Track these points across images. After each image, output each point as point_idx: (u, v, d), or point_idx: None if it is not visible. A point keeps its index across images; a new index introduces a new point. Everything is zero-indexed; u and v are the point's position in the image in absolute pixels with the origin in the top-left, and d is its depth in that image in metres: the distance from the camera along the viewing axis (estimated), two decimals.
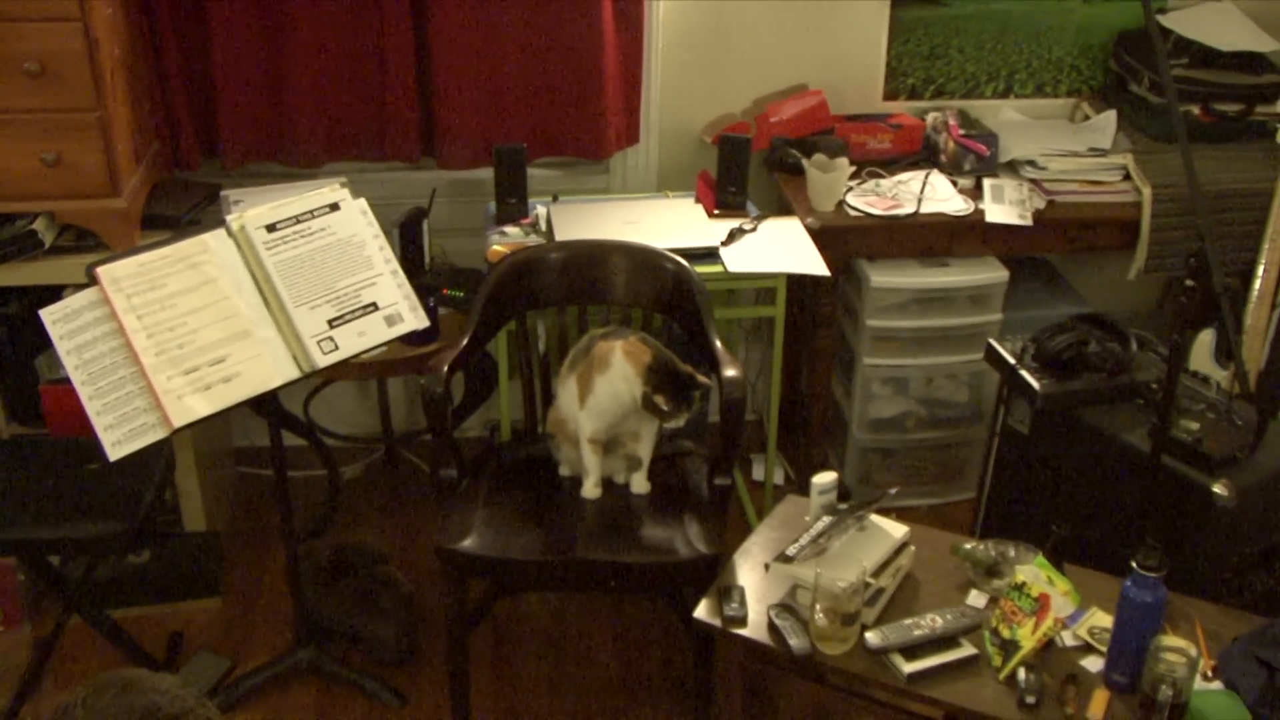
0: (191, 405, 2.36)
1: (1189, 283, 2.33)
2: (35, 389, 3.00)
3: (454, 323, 3.12)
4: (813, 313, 3.42)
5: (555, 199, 3.37)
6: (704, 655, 2.67)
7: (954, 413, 3.53)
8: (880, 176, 3.45)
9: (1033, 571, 2.34)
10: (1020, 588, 2.30)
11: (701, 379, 2.61)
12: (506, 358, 3.13)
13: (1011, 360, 2.82)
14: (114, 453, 2.30)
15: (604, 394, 2.65)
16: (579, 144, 3.47)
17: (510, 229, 3.21)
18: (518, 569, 2.60)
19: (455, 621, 2.71)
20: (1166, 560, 2.14)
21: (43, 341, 3.04)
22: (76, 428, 2.89)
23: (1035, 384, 2.73)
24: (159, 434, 2.33)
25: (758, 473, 3.76)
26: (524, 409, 3.00)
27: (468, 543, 2.59)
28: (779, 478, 3.70)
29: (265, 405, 3.00)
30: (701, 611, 2.45)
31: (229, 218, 2.53)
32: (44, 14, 2.66)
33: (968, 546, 2.56)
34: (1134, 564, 2.16)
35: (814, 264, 3.06)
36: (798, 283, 3.29)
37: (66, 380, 2.96)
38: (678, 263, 2.89)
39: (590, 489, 2.72)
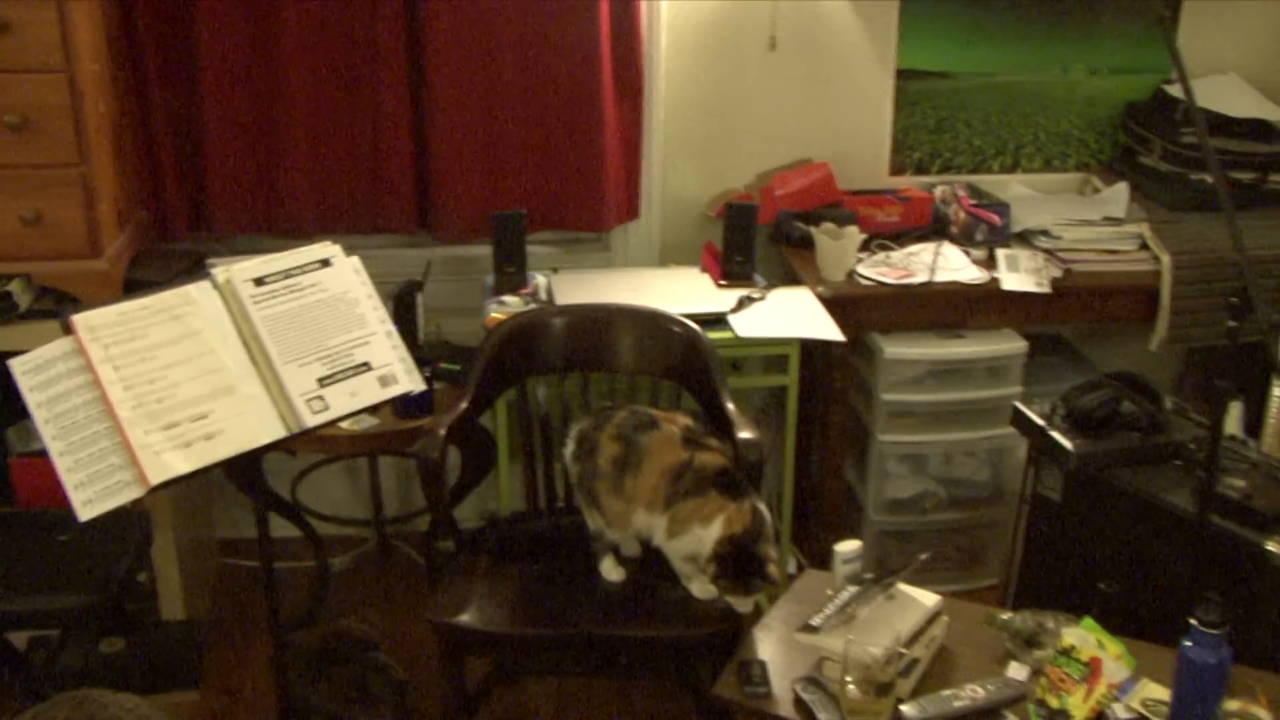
0: (170, 462, 2.18)
1: (1231, 323, 2.20)
2: (5, 462, 2.83)
3: (450, 397, 2.97)
4: (824, 388, 3.28)
5: (555, 271, 3.26)
6: None
7: (975, 492, 3.36)
8: (890, 249, 3.35)
9: (1081, 634, 2.16)
10: (1068, 652, 2.12)
11: (771, 572, 2.39)
12: (506, 433, 2.98)
13: (1040, 422, 2.67)
14: (85, 513, 2.12)
15: (693, 540, 2.42)
16: (579, 217, 3.37)
17: (509, 298, 3.08)
18: (521, 645, 2.42)
19: (453, 707, 2.51)
20: (1229, 614, 1.97)
21: (14, 413, 2.89)
22: (48, 504, 2.74)
23: (1068, 444, 2.58)
24: (134, 493, 2.15)
25: None
26: (525, 489, 2.83)
27: (466, 617, 2.41)
28: (791, 566, 3.52)
29: (250, 480, 2.84)
30: (721, 687, 2.26)
31: (215, 270, 2.40)
32: (27, 65, 2.57)
33: (1004, 617, 2.39)
34: (1193, 620, 1.99)
35: (828, 329, 2.94)
36: (807, 357, 3.16)
37: (38, 454, 2.84)
38: (686, 325, 2.76)
39: (700, 589, 2.46)
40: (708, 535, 2.39)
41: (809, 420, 3.42)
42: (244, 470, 2.94)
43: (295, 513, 3.15)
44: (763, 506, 2.43)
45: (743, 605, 2.43)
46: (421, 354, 3.00)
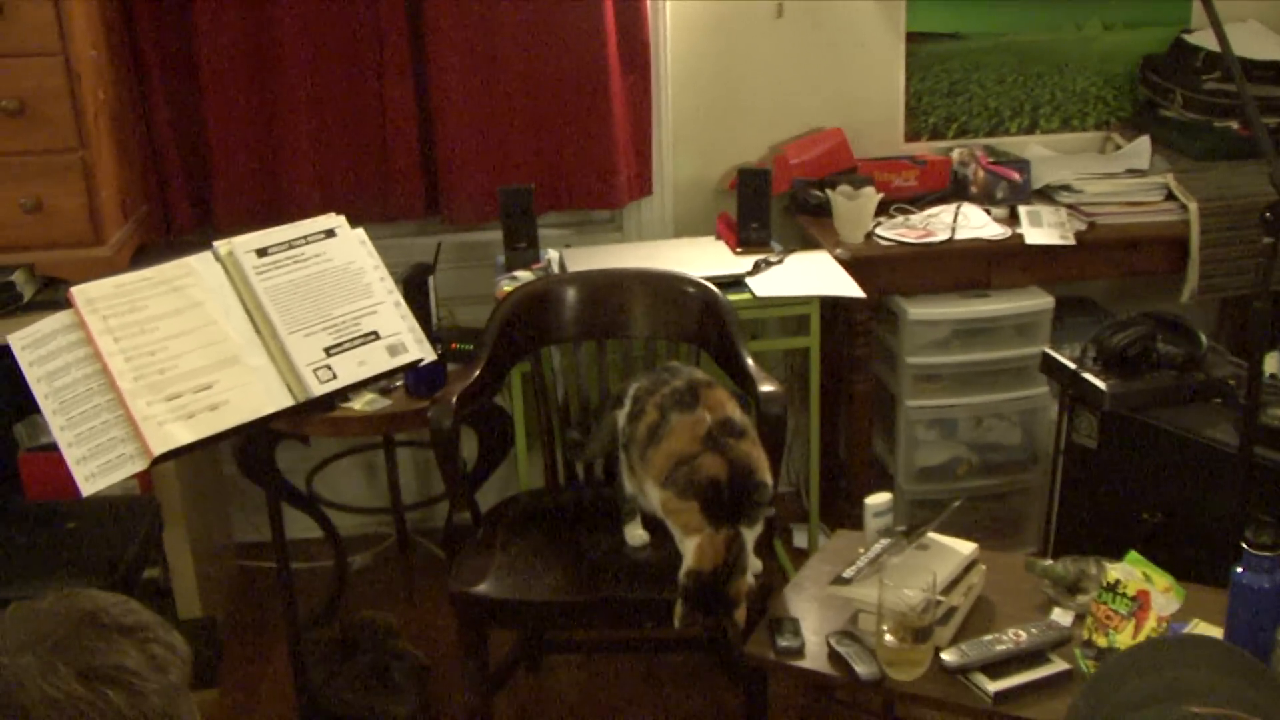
0: (173, 433, 2.12)
1: (1267, 239, 2.11)
2: (14, 458, 2.77)
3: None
4: (847, 357, 3.20)
5: (568, 246, 3.19)
6: (756, 700, 2.36)
7: (1007, 456, 3.26)
8: (909, 212, 3.26)
9: (1126, 569, 2.07)
10: (1114, 588, 2.03)
11: (738, 616, 2.16)
12: (522, 414, 2.90)
13: (1072, 365, 2.58)
14: (88, 487, 2.05)
15: (676, 537, 2.27)
16: (590, 195, 3.31)
17: (521, 273, 3.01)
18: (542, 612, 2.34)
19: (476, 684, 2.42)
20: None
21: (23, 407, 2.84)
22: (58, 498, 2.68)
23: (1102, 385, 2.49)
24: (138, 465, 2.09)
25: (799, 540, 3.47)
26: (543, 465, 2.76)
27: (484, 587, 2.33)
28: (821, 543, 3.43)
29: (262, 469, 2.78)
30: (753, 646, 2.17)
31: (217, 243, 2.35)
32: (23, 49, 2.53)
33: (1045, 563, 2.30)
34: (1244, 544, 1.89)
35: (847, 286, 2.86)
36: (828, 326, 3.09)
37: (46, 448, 2.79)
38: (701, 285, 2.69)
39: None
40: (683, 548, 2.22)
41: (833, 393, 3.34)
42: (255, 457, 2.88)
43: (309, 503, 3.08)
44: (747, 535, 2.20)
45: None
46: (435, 333, 2.94)
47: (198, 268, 2.30)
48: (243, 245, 2.35)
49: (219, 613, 3.13)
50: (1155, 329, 2.54)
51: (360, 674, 2.74)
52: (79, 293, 2.18)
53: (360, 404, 2.79)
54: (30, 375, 2.12)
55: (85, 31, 2.64)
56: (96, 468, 2.08)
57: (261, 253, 2.36)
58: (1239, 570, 1.91)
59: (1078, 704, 0.90)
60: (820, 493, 3.19)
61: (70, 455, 2.08)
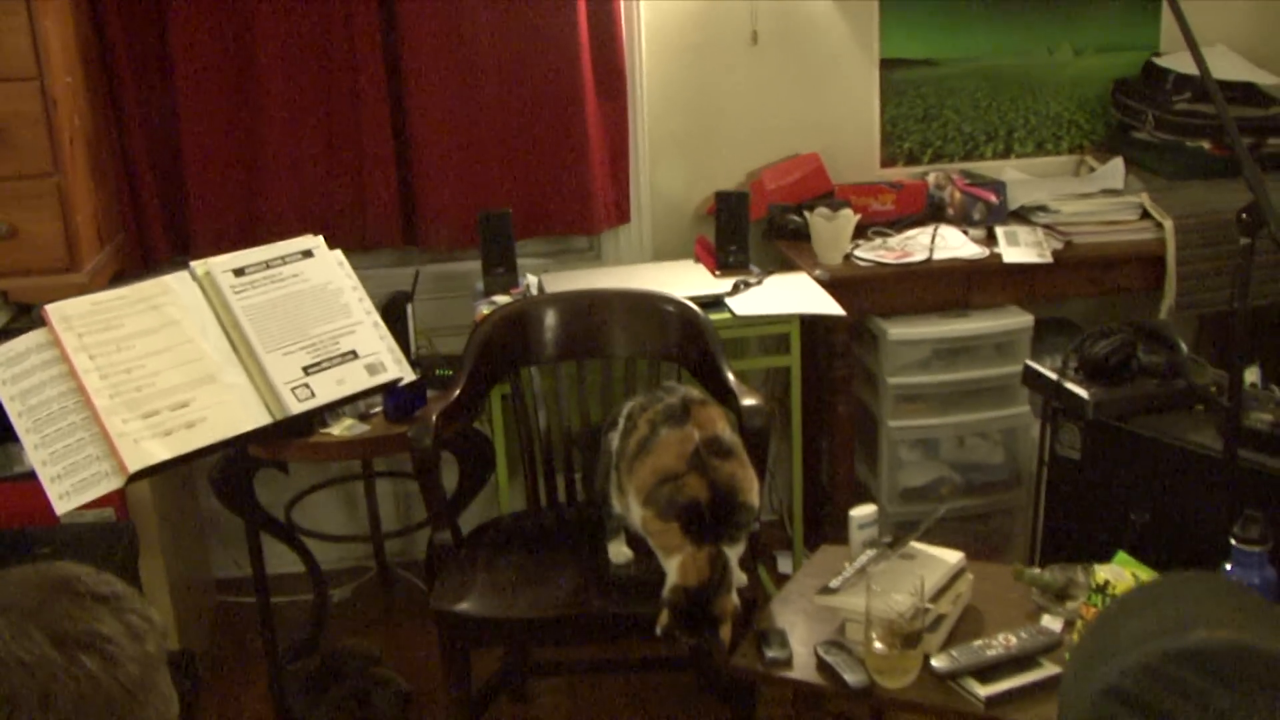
0: (149, 450, 2.09)
1: (1244, 240, 2.13)
2: None
3: None
4: (827, 380, 3.19)
5: (546, 272, 3.19)
6: (743, 716, 2.33)
7: (991, 476, 3.26)
8: (887, 235, 3.28)
9: (1115, 570, 2.06)
10: (1103, 589, 2.02)
11: (724, 633, 2.14)
12: (503, 438, 2.88)
13: (1053, 376, 2.58)
14: (61, 506, 2.03)
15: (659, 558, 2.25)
16: (567, 220, 3.31)
17: (500, 298, 3.00)
18: (526, 629, 2.30)
19: (458, 709, 2.38)
20: (1270, 532, 1.87)
21: None
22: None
23: (1084, 394, 2.49)
24: (113, 483, 2.06)
25: (784, 566, 3.45)
26: (526, 492, 2.73)
27: (467, 604, 2.29)
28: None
29: (240, 496, 2.74)
30: (740, 658, 2.14)
31: (193, 262, 2.34)
32: None
33: (1034, 571, 2.28)
34: (1233, 540, 1.89)
35: (827, 305, 2.86)
36: (808, 349, 3.08)
37: (19, 477, 2.75)
38: (680, 303, 2.69)
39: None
40: (666, 566, 2.20)
41: (815, 416, 3.33)
42: (234, 486, 2.85)
43: (288, 532, 3.04)
44: (730, 553, 2.19)
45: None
46: (415, 360, 2.92)
47: (174, 286, 2.29)
48: (220, 265, 2.34)
49: (197, 646, 3.08)
50: (1136, 337, 2.54)
51: (341, 701, 2.70)
52: (54, 310, 2.16)
53: (339, 429, 2.76)
54: (3, 394, 2.09)
55: (61, 57, 2.64)
56: (71, 486, 2.05)
57: (239, 272, 2.36)
58: (1228, 567, 1.91)
59: (1081, 644, 0.89)
60: (804, 517, 3.17)
61: (44, 474, 2.05)
